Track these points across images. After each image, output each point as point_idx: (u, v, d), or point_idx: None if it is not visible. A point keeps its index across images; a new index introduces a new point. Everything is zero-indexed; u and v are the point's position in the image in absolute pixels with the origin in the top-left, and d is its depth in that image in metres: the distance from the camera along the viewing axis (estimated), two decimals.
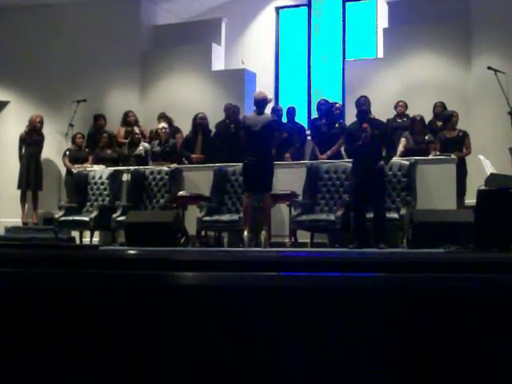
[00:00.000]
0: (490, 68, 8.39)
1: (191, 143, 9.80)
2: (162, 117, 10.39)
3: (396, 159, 8.01)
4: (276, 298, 1.74)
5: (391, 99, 9.78)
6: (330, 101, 9.97)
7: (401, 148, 8.66)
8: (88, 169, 9.92)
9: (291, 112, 10.10)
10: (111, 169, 9.65)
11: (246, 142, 7.88)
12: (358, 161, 7.32)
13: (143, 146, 9.93)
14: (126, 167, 9.62)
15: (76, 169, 9.98)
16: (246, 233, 7.54)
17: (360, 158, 7.23)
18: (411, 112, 9.32)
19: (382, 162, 7.30)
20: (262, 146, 7.65)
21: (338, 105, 9.74)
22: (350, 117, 9.88)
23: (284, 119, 10.08)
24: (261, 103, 7.84)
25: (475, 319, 1.68)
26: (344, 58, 11.93)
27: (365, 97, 7.49)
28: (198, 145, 9.75)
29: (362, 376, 1.71)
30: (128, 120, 10.56)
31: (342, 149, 9.53)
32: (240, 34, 12.57)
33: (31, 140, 10.60)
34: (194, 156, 9.65)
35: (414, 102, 9.64)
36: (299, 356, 1.72)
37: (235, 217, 8.26)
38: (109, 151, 10.25)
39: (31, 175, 10.57)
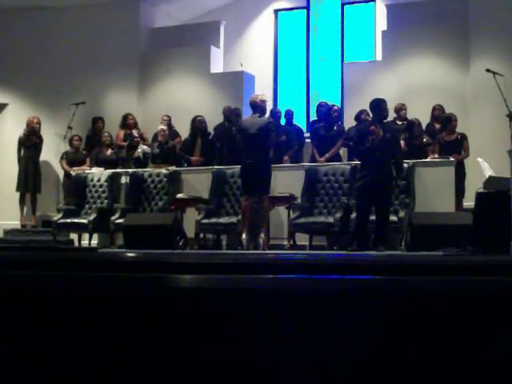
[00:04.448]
0: (488, 70, 8.40)
1: (190, 146, 9.81)
2: (166, 119, 10.39)
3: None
4: (274, 300, 1.74)
5: (390, 101, 9.73)
6: (330, 103, 9.97)
7: None
8: (86, 171, 9.92)
9: (289, 115, 10.10)
10: (110, 171, 9.65)
11: (243, 144, 7.89)
12: (366, 163, 7.24)
13: (141, 148, 9.93)
14: (124, 169, 9.62)
15: (74, 171, 9.98)
16: (244, 235, 7.54)
17: (368, 160, 7.15)
18: (410, 114, 9.32)
19: (399, 183, 7.24)
20: (258, 149, 7.65)
21: (335, 107, 9.74)
22: (349, 119, 9.91)
23: (282, 122, 10.07)
24: (257, 106, 7.85)
25: (474, 322, 1.68)
26: (343, 60, 11.93)
27: (383, 100, 7.40)
28: (197, 148, 9.76)
29: (361, 378, 1.71)
30: (127, 123, 10.56)
31: (341, 151, 9.55)
32: (239, 36, 12.57)
33: (30, 142, 10.61)
34: (193, 159, 9.67)
35: (412, 104, 9.65)
36: (298, 359, 1.72)
37: (234, 219, 8.26)
38: (108, 152, 10.25)
39: (30, 178, 10.57)
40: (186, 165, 9.74)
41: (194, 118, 9.91)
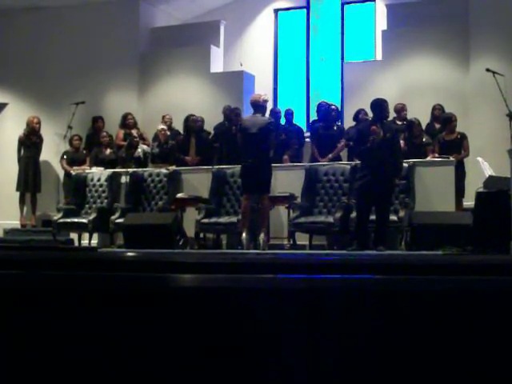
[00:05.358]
0: (488, 70, 8.39)
1: (185, 145, 9.75)
2: (168, 118, 10.40)
3: None
4: (274, 300, 1.74)
5: (390, 101, 9.71)
6: (330, 103, 9.96)
7: None
8: (87, 171, 9.93)
9: (289, 114, 10.09)
10: (110, 171, 9.65)
11: (244, 144, 7.88)
12: (366, 162, 7.23)
13: (141, 148, 9.93)
14: (124, 169, 9.62)
15: (74, 171, 9.98)
16: (244, 235, 7.53)
17: (369, 159, 7.15)
18: (410, 114, 9.32)
19: (396, 181, 7.23)
20: (259, 148, 7.65)
21: (334, 106, 9.70)
22: (349, 119, 9.91)
23: (282, 121, 10.07)
24: (257, 105, 7.85)
25: (473, 322, 1.68)
26: (343, 60, 11.94)
27: (384, 100, 7.39)
28: (192, 147, 9.69)
29: (361, 378, 1.71)
30: (127, 122, 10.55)
31: (341, 153, 9.53)
32: (239, 36, 12.57)
33: (30, 142, 10.62)
34: (188, 158, 9.61)
35: (412, 104, 9.65)
36: (297, 358, 1.72)
37: (234, 219, 8.26)
38: (107, 152, 10.25)
39: (30, 177, 10.58)
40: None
41: (186, 118, 9.85)
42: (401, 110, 9.40)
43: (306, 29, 12.43)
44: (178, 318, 1.79)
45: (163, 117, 10.49)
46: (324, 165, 8.72)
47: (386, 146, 7.10)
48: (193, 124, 9.77)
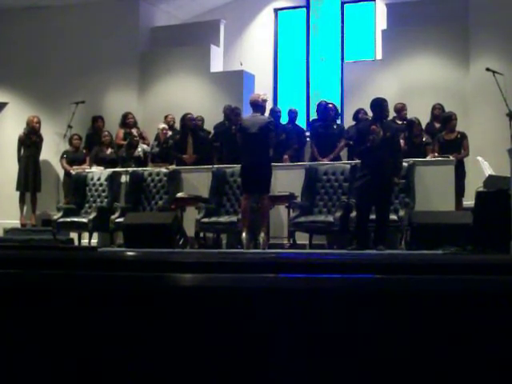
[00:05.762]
0: (488, 69, 8.39)
1: (181, 144, 9.71)
2: (171, 118, 10.38)
3: None
4: (274, 299, 1.74)
5: (390, 101, 9.71)
6: (330, 102, 9.95)
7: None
8: (86, 170, 9.93)
9: (293, 114, 10.06)
10: (110, 170, 9.64)
11: (243, 143, 7.89)
12: (366, 162, 7.23)
13: (141, 147, 9.93)
14: (124, 169, 9.61)
15: (74, 170, 9.98)
16: (244, 234, 7.54)
17: (368, 159, 7.14)
18: (410, 113, 9.32)
19: (396, 180, 7.22)
20: (259, 148, 7.66)
21: (331, 104, 9.64)
22: (349, 119, 9.91)
23: (283, 120, 10.07)
24: (257, 105, 7.85)
25: (473, 321, 1.68)
26: (343, 59, 11.94)
27: (384, 100, 7.39)
28: (189, 146, 9.66)
29: (361, 377, 1.71)
30: (127, 122, 10.55)
31: (341, 152, 9.53)
32: (239, 35, 12.57)
33: (30, 141, 10.62)
34: (185, 157, 9.58)
35: (412, 103, 9.65)
36: (297, 358, 1.72)
37: (234, 218, 8.26)
38: (108, 151, 10.25)
39: (30, 177, 10.58)
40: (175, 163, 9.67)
41: (183, 116, 9.77)
42: (401, 109, 9.39)
43: (305, 28, 12.43)
44: (178, 317, 1.79)
45: (166, 117, 10.47)
46: (324, 164, 8.72)
47: (386, 145, 7.10)
48: (189, 122, 9.71)
